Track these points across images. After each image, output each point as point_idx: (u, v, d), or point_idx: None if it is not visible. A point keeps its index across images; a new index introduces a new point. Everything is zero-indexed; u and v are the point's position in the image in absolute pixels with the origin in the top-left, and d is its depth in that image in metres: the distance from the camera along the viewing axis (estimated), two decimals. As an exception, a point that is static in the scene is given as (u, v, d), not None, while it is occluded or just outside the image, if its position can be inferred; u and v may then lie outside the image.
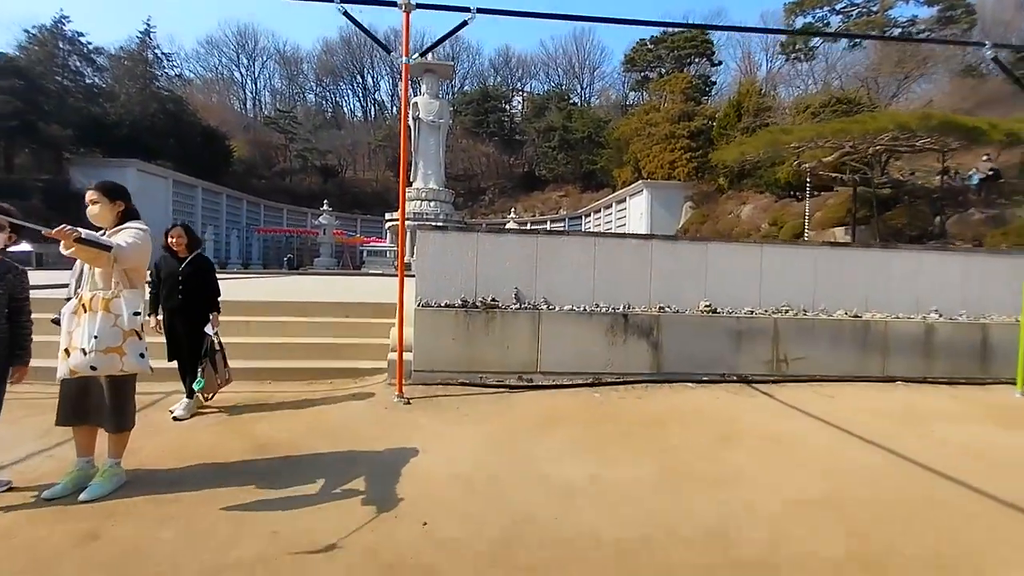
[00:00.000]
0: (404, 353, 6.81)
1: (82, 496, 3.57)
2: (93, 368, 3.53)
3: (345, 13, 6.10)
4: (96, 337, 3.50)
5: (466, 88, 64.07)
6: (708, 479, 4.25)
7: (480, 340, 7.46)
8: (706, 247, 8.21)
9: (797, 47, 40.75)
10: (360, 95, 67.29)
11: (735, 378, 7.76)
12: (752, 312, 8.05)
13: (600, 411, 6.34)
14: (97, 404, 3.72)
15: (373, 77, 65.87)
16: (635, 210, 35.83)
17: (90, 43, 39.27)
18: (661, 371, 7.77)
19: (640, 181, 35.73)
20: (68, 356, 3.57)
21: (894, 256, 8.64)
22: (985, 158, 22.12)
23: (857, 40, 37.17)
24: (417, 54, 7.45)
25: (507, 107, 61.57)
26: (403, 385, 6.66)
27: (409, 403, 6.41)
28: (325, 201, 40.10)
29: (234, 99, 62.25)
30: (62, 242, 3.28)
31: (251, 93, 64.81)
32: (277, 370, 7.41)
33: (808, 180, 21.82)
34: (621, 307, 7.85)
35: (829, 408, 6.42)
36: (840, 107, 26.01)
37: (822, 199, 26.02)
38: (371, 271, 27.60)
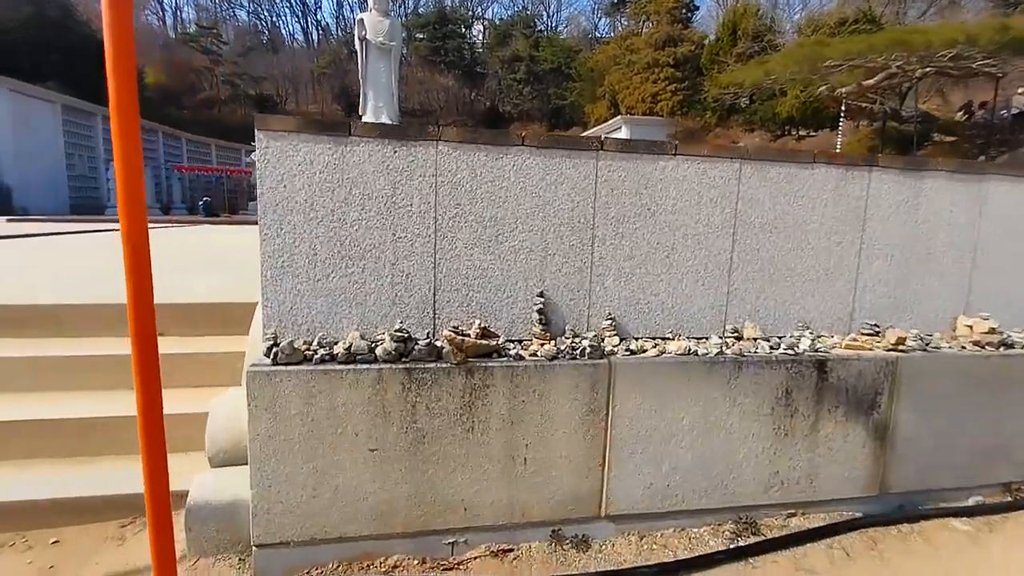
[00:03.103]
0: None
1: None
2: None
3: None
4: None
5: (420, 9, 54.99)
6: None
7: (448, 451, 2.54)
8: (979, 186, 3.39)
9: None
10: (300, 15, 57.00)
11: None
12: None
13: None
14: None
15: (315, -5, 55.43)
16: (612, 150, 30.36)
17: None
18: (888, 489, 3.10)
19: (619, 117, 30.19)
20: None
21: None
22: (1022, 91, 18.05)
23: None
24: None
25: (467, 34, 53.28)
26: None
27: None
28: (259, 135, 32.44)
29: (147, 13, 51.08)
30: None
31: (168, 7, 53.44)
32: None
33: (843, 110, 17.18)
34: (799, 340, 3.04)
35: None
36: (862, 28, 21.05)
37: (826, 136, 21.59)
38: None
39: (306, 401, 2.42)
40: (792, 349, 2.96)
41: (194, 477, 2.72)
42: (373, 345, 2.56)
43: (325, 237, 2.63)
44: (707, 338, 3.09)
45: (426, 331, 2.70)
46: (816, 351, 2.99)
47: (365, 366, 2.47)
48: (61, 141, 27.66)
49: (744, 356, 2.85)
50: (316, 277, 2.65)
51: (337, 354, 2.50)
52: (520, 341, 2.89)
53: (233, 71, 43.12)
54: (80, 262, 6.85)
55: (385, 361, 2.51)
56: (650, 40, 31.78)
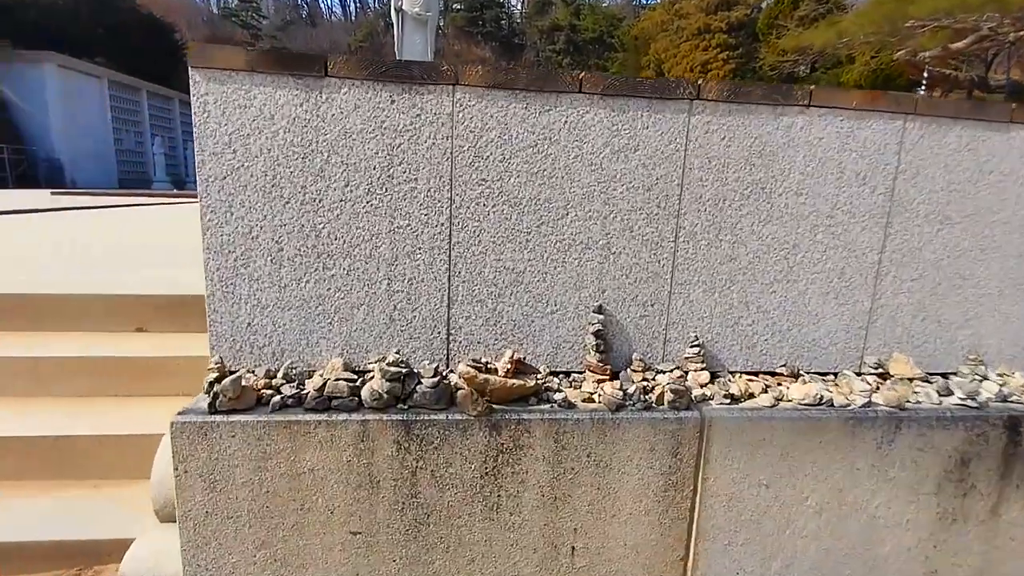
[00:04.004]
0: None
1: None
2: None
3: None
4: None
5: (459, -21, 53.16)
6: None
7: (464, 538, 1.74)
8: None
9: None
10: (339, -11, 56.03)
11: None
12: None
13: None
14: None
15: (354, -33, 54.32)
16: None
17: (-16, -102, 29.54)
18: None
19: (664, 88, 28.22)
20: None
21: None
22: None
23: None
24: None
25: (506, 3, 51.26)
26: None
27: None
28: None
29: (193, -10, 51.23)
30: None
31: (211, -18, 53.44)
32: None
33: (925, 78, 15.10)
34: (980, 384, 2.06)
35: None
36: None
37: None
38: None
39: (259, 465, 1.66)
40: (972, 398, 1.98)
41: (132, 544, 2.03)
42: (357, 384, 1.75)
43: (294, 225, 1.83)
44: (835, 374, 2.16)
45: (435, 362, 1.88)
46: (1006, 401, 2.01)
47: (344, 416, 1.68)
48: (109, 116, 28.09)
49: (904, 410, 1.91)
50: (283, 282, 1.85)
51: (305, 395, 1.72)
52: (567, 374, 2.04)
53: (272, 45, 42.89)
54: (80, 241, 6.37)
55: (374, 408, 1.71)
56: (701, 4, 29.42)
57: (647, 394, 1.87)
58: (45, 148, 24.69)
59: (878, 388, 2.05)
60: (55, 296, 3.30)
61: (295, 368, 1.86)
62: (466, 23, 46.97)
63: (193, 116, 1.76)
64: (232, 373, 1.82)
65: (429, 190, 1.86)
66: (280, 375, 1.83)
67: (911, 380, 2.09)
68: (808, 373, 2.14)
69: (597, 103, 1.88)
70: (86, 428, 2.58)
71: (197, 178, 1.77)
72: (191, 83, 1.75)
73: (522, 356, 1.90)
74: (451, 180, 1.86)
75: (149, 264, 4.31)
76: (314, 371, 1.90)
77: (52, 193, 18.02)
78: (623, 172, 1.93)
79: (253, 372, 1.86)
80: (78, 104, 26.14)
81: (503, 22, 50.13)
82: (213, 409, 1.63)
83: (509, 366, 1.79)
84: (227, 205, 1.79)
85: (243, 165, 1.77)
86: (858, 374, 2.15)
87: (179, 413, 1.64)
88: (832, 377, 2.14)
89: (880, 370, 2.15)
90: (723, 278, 2.05)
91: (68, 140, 25.30)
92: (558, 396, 1.83)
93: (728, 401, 1.88)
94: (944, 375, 2.20)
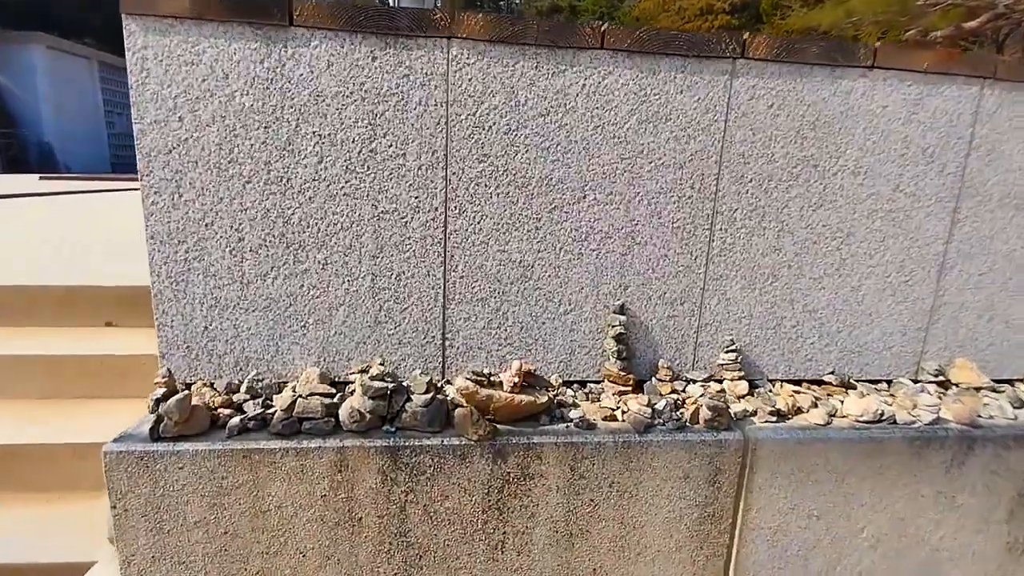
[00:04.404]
0: None
1: None
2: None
3: None
4: None
5: (456, -40, 51.68)
6: None
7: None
8: None
9: None
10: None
11: None
12: None
13: None
14: None
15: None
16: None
17: None
18: None
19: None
20: None
21: None
22: None
23: None
24: None
25: (504, -16, 50.03)
26: None
27: None
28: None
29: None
30: None
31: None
32: None
33: (935, 56, 14.58)
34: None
35: None
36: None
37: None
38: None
39: (214, 502, 1.37)
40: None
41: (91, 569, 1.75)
42: (335, 400, 1.46)
43: (258, 210, 1.51)
44: (888, 381, 1.87)
45: (428, 372, 1.58)
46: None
47: (317, 441, 1.38)
48: (100, 99, 27.35)
49: (977, 427, 1.62)
50: (245, 278, 1.55)
51: (272, 416, 1.42)
52: (583, 384, 1.74)
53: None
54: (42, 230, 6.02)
55: (354, 432, 1.41)
56: (704, -17, 28.68)
57: (678, 410, 1.58)
58: (36, 132, 24.04)
59: (940, 398, 1.76)
60: (9, 287, 2.98)
61: (262, 380, 1.56)
62: (464, 3, 45.89)
63: (129, 76, 1.43)
64: (187, 387, 1.52)
65: (420, 168, 1.54)
66: (243, 389, 1.53)
67: (978, 390, 1.80)
68: (859, 381, 1.86)
69: (622, 63, 1.55)
70: (42, 435, 2.29)
71: (137, 152, 1.45)
72: (125, 34, 1.41)
73: (532, 367, 1.60)
74: (446, 156, 1.54)
75: (127, 254, 3.99)
76: (286, 382, 1.61)
77: (41, 178, 17.53)
78: (652, 146, 1.61)
79: (212, 386, 1.56)
80: (67, 86, 25.41)
81: (501, 2, 49.10)
82: (156, 436, 1.33)
83: (516, 379, 1.49)
84: (174, 185, 1.47)
85: (192, 136, 1.45)
86: (915, 381, 1.87)
87: (115, 440, 1.34)
88: (885, 386, 1.86)
89: (941, 377, 1.86)
90: (765, 272, 1.75)
91: (58, 123, 24.65)
92: (574, 414, 1.54)
93: (774, 418, 1.59)
94: (1010, 382, 1.92)
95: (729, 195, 1.67)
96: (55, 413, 2.42)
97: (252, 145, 1.47)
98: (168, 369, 1.47)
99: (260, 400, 1.49)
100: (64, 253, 4.07)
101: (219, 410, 1.45)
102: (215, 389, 1.54)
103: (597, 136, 1.58)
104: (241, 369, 1.60)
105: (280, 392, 1.56)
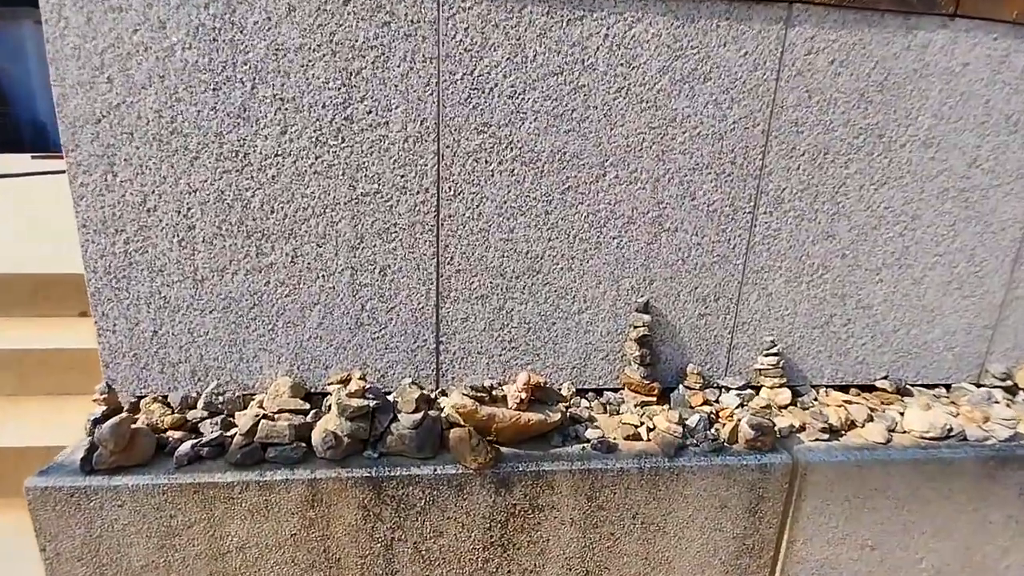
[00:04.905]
0: None
1: None
2: None
3: None
4: None
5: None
6: None
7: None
8: None
9: None
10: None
11: None
12: None
13: None
14: None
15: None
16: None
17: None
18: None
19: None
20: None
21: None
22: None
23: None
24: None
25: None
26: None
27: None
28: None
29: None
30: None
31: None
32: None
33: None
34: None
35: None
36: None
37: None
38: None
39: (164, 543, 1.14)
40: None
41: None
42: (308, 419, 1.22)
43: (209, 192, 1.24)
44: (947, 386, 1.62)
45: (419, 380, 1.34)
46: None
47: (284, 473, 1.15)
48: (92, 74, 26.60)
49: (1064, 446, 1.38)
50: (199, 274, 1.29)
51: (231, 442, 1.18)
52: (599, 392, 1.50)
53: None
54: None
55: (329, 460, 1.18)
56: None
57: (713, 426, 1.34)
58: (29, 110, 23.53)
59: (1009, 405, 1.52)
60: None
61: (223, 393, 1.32)
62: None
63: (44, 26, 1.15)
64: (136, 402, 1.28)
65: (406, 140, 1.27)
66: (201, 405, 1.29)
67: (1054, 397, 1.56)
68: (915, 386, 1.61)
69: (653, 7, 1.26)
70: (5, 437, 2.07)
71: (59, 122, 1.18)
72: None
73: (542, 379, 1.35)
74: (438, 125, 1.27)
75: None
76: (253, 395, 1.37)
77: (33, 157, 17.12)
78: (687, 113, 1.33)
79: (166, 400, 1.32)
80: (58, 62, 24.66)
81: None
82: (89, 467, 1.09)
83: (523, 395, 1.25)
84: (107, 163, 1.20)
85: (125, 102, 1.18)
86: (978, 386, 1.62)
87: (40, 473, 1.10)
88: (944, 391, 1.61)
89: (1008, 381, 1.61)
90: (815, 263, 1.48)
91: (51, 101, 24.04)
92: (592, 433, 1.30)
93: (826, 436, 1.35)
94: (1086, 386, 1.67)
95: (777, 171, 1.40)
96: (21, 411, 2.20)
97: (199, 112, 1.19)
98: (107, 383, 1.22)
99: (220, 419, 1.25)
100: (40, 236, 3.79)
101: (169, 432, 1.21)
102: (168, 405, 1.30)
103: (621, 100, 1.30)
104: (199, 380, 1.36)
105: (246, 408, 1.32)
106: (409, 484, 1.17)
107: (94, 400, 1.22)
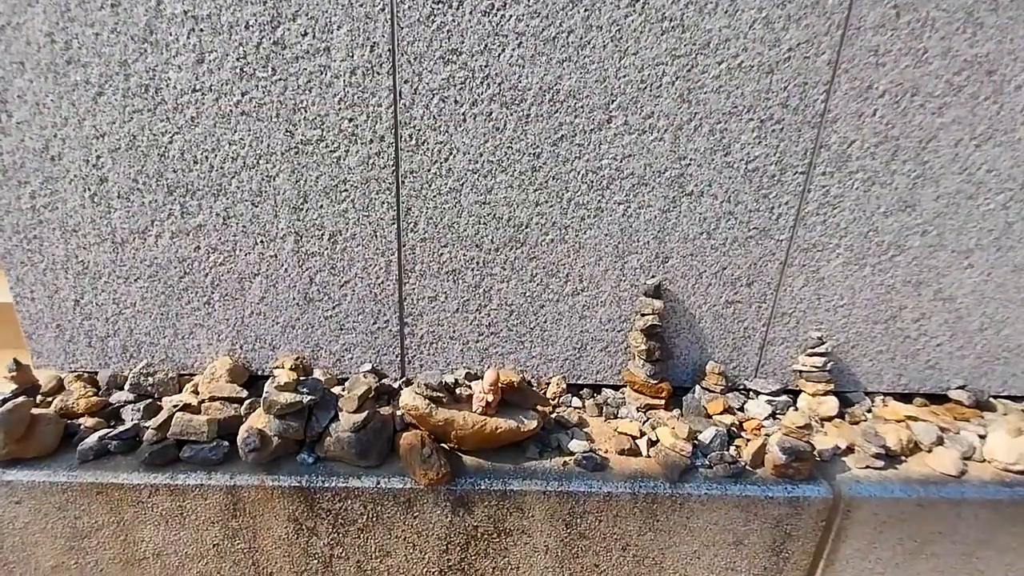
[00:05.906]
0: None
1: None
2: None
3: None
4: None
5: None
6: None
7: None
8: None
9: None
10: None
11: None
12: None
13: None
14: None
15: None
16: None
17: None
18: None
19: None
20: None
21: None
22: None
23: None
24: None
25: None
26: None
27: None
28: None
29: None
30: None
31: None
32: None
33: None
34: None
35: None
36: None
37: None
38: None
39: (72, 544, 0.99)
40: None
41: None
42: (236, 414, 1.02)
43: (120, 136, 1.02)
44: (1045, 402, 1.28)
45: (384, 372, 1.12)
46: None
47: (199, 477, 0.96)
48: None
49: None
50: (117, 235, 1.09)
51: (143, 434, 1.00)
52: (596, 389, 1.25)
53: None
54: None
55: (256, 464, 0.98)
56: None
57: (732, 443, 1.07)
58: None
59: None
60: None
61: (153, 373, 1.14)
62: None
63: None
64: (59, 380, 1.12)
65: (353, 71, 0.99)
66: (127, 387, 1.12)
67: None
68: (998, 398, 1.27)
69: None
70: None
71: None
72: None
73: (515, 376, 1.10)
74: (393, 52, 0.99)
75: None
76: (191, 375, 1.18)
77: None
78: (724, 35, 0.99)
79: (94, 379, 1.15)
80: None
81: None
82: (-19, 460, 0.94)
83: (490, 397, 1.00)
84: (-3, 98, 0.99)
85: (9, 23, 0.95)
86: (1086, 403, 1.27)
87: None
88: (1038, 406, 1.27)
89: None
90: (885, 240, 1.14)
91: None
92: (576, 444, 1.05)
93: (880, 463, 1.06)
94: None
95: (844, 118, 1.05)
96: None
97: (97, 35, 0.95)
98: (16, 359, 1.06)
99: (144, 404, 1.07)
100: None
101: (84, 419, 1.05)
102: (94, 385, 1.14)
103: (634, 17, 0.97)
104: (132, 356, 1.18)
105: (181, 391, 1.14)
106: (347, 497, 0.96)
107: (4, 376, 1.06)
